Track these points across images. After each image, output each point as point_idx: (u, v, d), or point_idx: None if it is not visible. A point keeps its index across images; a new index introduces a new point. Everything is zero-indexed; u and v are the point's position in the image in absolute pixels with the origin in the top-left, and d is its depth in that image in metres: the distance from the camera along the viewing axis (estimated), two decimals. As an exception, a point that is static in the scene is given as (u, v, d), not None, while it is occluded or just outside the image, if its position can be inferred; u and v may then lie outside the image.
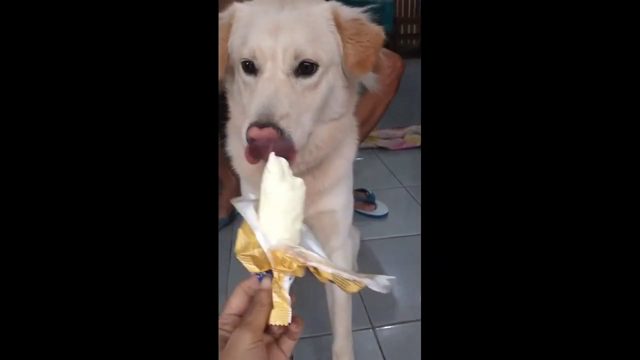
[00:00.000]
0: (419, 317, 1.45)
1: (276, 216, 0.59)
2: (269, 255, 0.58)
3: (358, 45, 0.83)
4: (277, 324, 0.58)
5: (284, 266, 0.58)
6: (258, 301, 0.59)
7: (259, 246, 0.58)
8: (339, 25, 0.83)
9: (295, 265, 0.58)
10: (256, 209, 0.61)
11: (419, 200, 2.22)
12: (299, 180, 0.62)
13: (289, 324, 0.59)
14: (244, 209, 0.61)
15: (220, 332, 0.57)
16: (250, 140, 0.71)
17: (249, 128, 0.71)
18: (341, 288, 0.58)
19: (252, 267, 0.60)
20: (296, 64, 0.78)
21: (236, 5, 0.87)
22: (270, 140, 0.70)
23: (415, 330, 1.41)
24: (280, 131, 0.70)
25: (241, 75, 0.82)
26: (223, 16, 0.87)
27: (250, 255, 0.59)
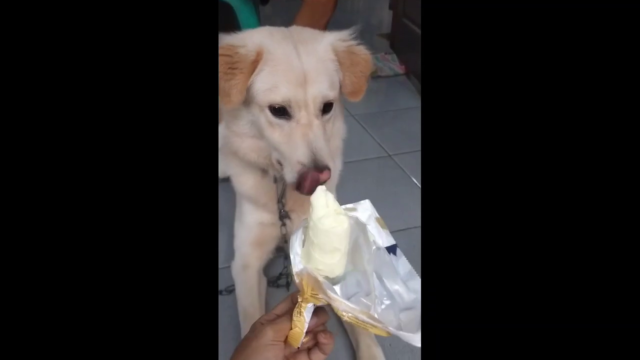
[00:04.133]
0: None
1: (312, 247, 0.62)
2: (295, 279, 0.62)
3: (353, 76, 0.97)
4: (292, 344, 0.62)
5: (303, 292, 0.61)
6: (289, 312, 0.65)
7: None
8: (339, 59, 0.96)
9: (309, 292, 0.60)
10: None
11: (367, 129, 2.41)
12: (342, 217, 0.61)
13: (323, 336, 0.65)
14: (295, 232, 0.66)
15: (257, 324, 0.65)
16: (303, 179, 0.87)
17: (305, 172, 0.86)
18: (361, 328, 0.59)
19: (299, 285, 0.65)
20: (321, 106, 0.93)
21: (264, 44, 0.92)
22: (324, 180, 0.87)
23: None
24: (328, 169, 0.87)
25: (266, 115, 0.94)
26: (246, 51, 0.91)
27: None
